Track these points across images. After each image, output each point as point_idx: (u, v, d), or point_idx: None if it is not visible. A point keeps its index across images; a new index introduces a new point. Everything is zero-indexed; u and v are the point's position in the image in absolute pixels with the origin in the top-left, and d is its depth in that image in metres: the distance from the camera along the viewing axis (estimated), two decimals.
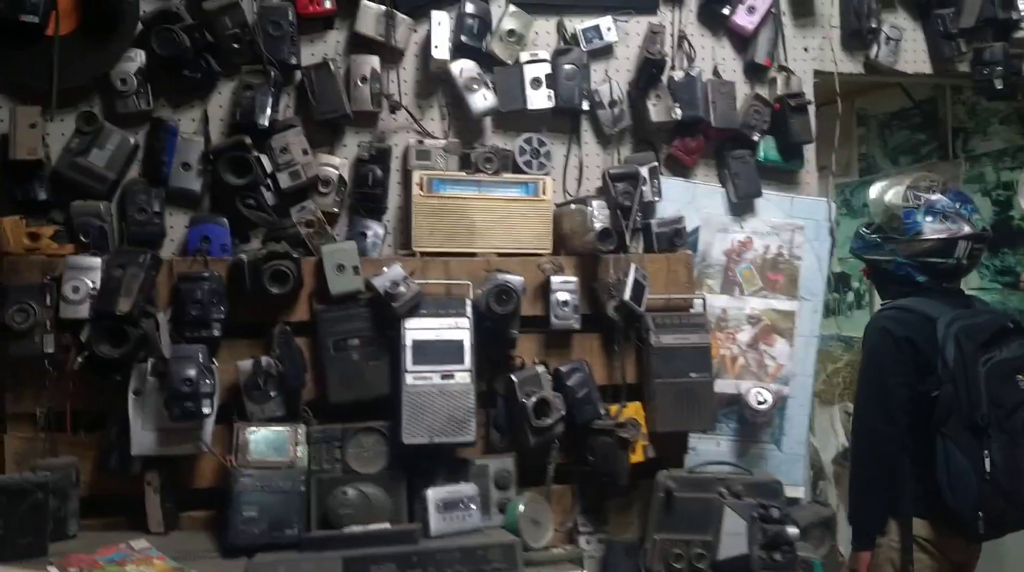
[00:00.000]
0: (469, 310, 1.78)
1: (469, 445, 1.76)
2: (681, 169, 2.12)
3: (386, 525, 1.67)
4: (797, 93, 2.11)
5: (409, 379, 1.72)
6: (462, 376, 1.75)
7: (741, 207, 2.17)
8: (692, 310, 1.97)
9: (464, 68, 1.90)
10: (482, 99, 1.90)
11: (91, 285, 1.60)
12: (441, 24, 1.87)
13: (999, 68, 2.20)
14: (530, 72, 1.95)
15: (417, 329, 1.74)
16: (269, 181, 1.81)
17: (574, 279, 1.87)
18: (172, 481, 1.67)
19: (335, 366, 1.74)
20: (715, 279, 2.16)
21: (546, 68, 1.95)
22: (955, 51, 2.25)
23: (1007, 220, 2.98)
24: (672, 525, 1.86)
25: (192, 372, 1.57)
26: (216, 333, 1.66)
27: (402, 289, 1.71)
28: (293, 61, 1.81)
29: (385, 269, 1.76)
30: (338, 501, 1.67)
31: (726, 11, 2.08)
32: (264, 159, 1.79)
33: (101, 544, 1.52)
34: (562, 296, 1.86)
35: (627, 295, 1.86)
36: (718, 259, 2.16)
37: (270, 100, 1.78)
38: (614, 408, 1.90)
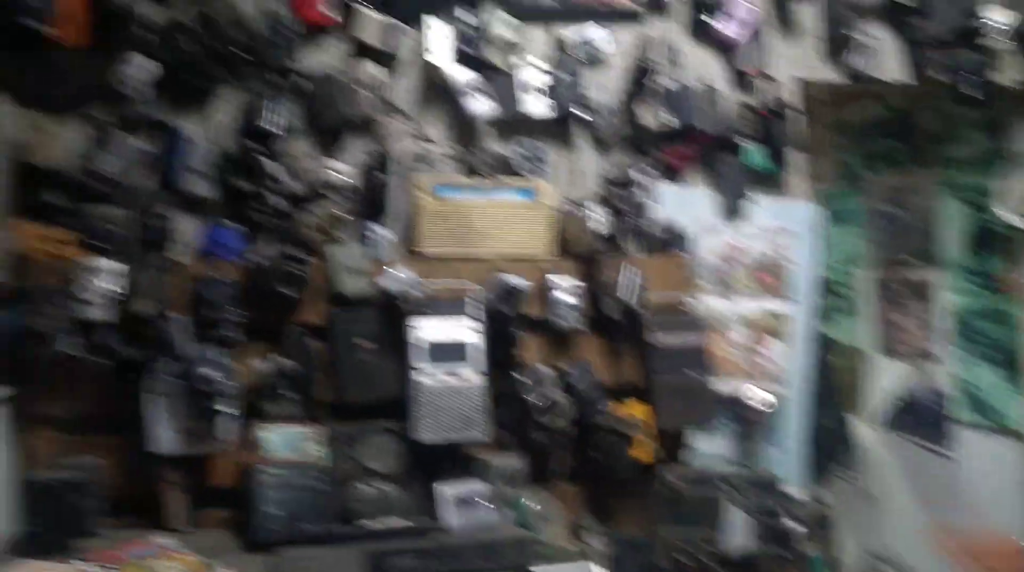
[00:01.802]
0: (476, 311, 2.00)
1: (480, 443, 1.97)
2: (673, 174, 2.38)
3: (402, 521, 1.87)
4: (781, 101, 2.40)
5: (420, 378, 1.93)
6: (472, 375, 1.96)
7: (730, 211, 2.43)
8: (689, 311, 2.22)
9: (461, 75, 2.14)
10: (480, 105, 2.14)
11: (109, 288, 1.77)
12: (436, 31, 2.10)
13: (974, 76, 2.52)
14: (525, 79, 2.19)
15: (426, 329, 1.95)
16: (277, 186, 2.01)
17: (575, 280, 2.11)
18: (192, 480, 1.85)
19: (349, 367, 1.94)
20: (708, 281, 2.42)
21: (541, 76, 2.20)
22: (930, 60, 2.56)
23: (986, 226, 3.31)
24: (677, 521, 2.10)
25: (211, 373, 1.76)
26: (233, 335, 1.85)
27: (411, 290, 1.92)
28: (295, 67, 2.03)
29: (393, 271, 1.97)
30: (356, 498, 1.87)
31: (711, 21, 2.35)
32: (272, 164, 1.99)
33: (125, 541, 1.69)
34: (563, 297, 2.08)
35: (626, 295, 2.11)
36: (710, 262, 2.42)
37: (277, 107, 1.99)
38: (617, 406, 2.13)
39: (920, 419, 2.55)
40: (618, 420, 2.08)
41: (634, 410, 2.13)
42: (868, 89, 2.69)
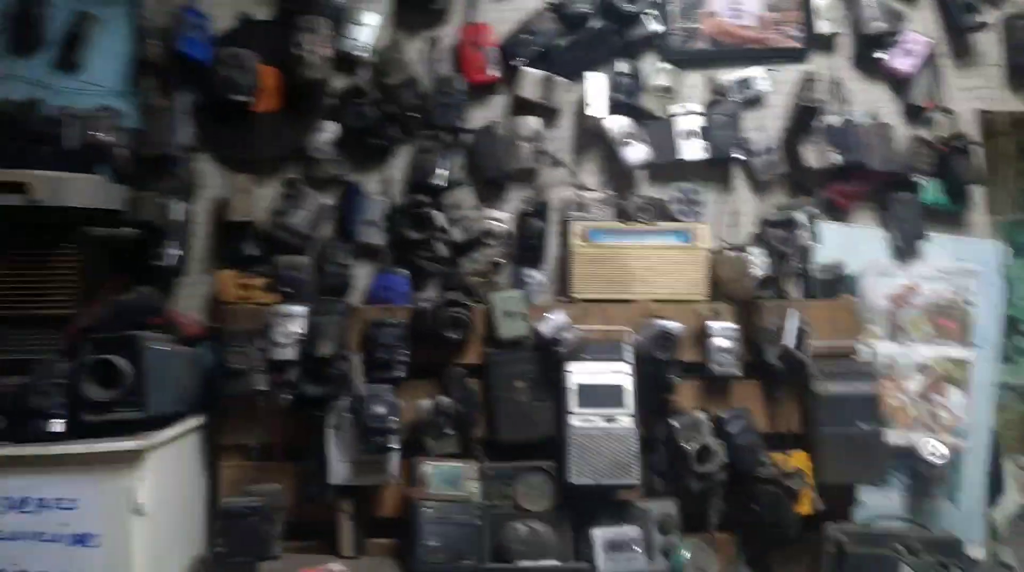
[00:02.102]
0: (629, 355, 2.00)
1: (632, 488, 1.95)
2: (838, 214, 2.26)
3: (555, 562, 1.88)
4: (961, 134, 2.21)
5: (574, 421, 1.94)
6: (625, 419, 1.95)
7: (905, 251, 2.27)
8: (858, 358, 2.09)
9: (617, 123, 2.16)
10: (635, 152, 2.15)
11: (296, 331, 1.94)
12: (594, 84, 2.14)
13: None
14: (682, 124, 2.18)
15: (580, 373, 1.97)
16: (443, 235, 2.12)
17: (734, 325, 2.04)
18: (360, 509, 1.97)
19: (504, 407, 1.99)
20: (879, 325, 2.26)
21: (698, 120, 2.18)
22: None
23: None
24: None
25: (382, 410, 1.87)
26: (401, 374, 1.96)
27: (566, 334, 1.95)
28: (463, 125, 2.14)
29: (549, 315, 2.01)
30: (511, 536, 1.90)
31: (881, 55, 2.23)
32: (439, 215, 2.11)
33: (302, 565, 1.82)
34: (722, 342, 2.03)
35: (790, 342, 2.02)
36: (881, 305, 2.26)
37: (443, 161, 2.11)
38: (778, 457, 2.03)
39: None
40: (783, 473, 1.98)
41: (797, 461, 2.02)
42: None
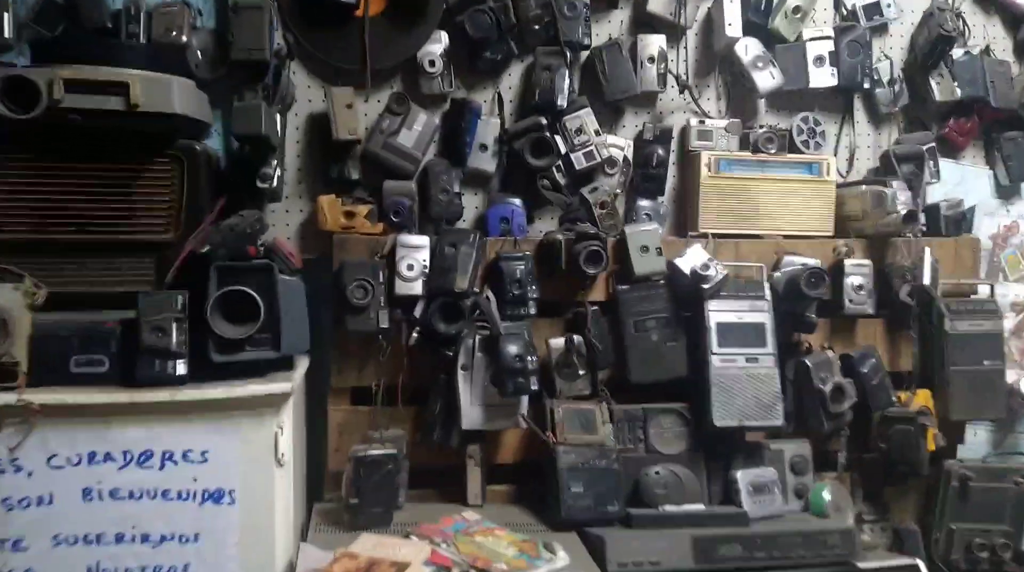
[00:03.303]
0: (768, 293, 1.82)
1: (777, 429, 1.79)
2: (950, 151, 2.12)
3: (700, 506, 1.72)
4: None
5: (716, 361, 1.76)
6: (766, 359, 1.78)
7: (1009, 190, 2.15)
8: (980, 296, 1.97)
9: (749, 46, 1.93)
10: (769, 78, 1.93)
11: (423, 263, 1.67)
12: (733, 1, 1.90)
13: None
14: (813, 50, 1.97)
15: (720, 311, 1.78)
16: (562, 161, 1.87)
17: (868, 262, 1.89)
18: (487, 455, 1.75)
19: (636, 346, 1.79)
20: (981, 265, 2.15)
21: (829, 45, 1.97)
22: None
23: None
24: (968, 515, 1.87)
25: (522, 349, 1.64)
26: (533, 311, 1.73)
27: (711, 271, 1.75)
28: (587, 42, 1.87)
29: (687, 250, 1.80)
30: (652, 481, 1.72)
31: None
32: (559, 140, 1.85)
33: (433, 515, 1.60)
34: (857, 280, 1.87)
35: (925, 279, 1.88)
36: (984, 244, 2.15)
37: (565, 81, 1.84)
38: (904, 395, 1.91)
39: None
40: (914, 411, 1.86)
41: (921, 399, 1.91)
42: None
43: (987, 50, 2.10)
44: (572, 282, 1.80)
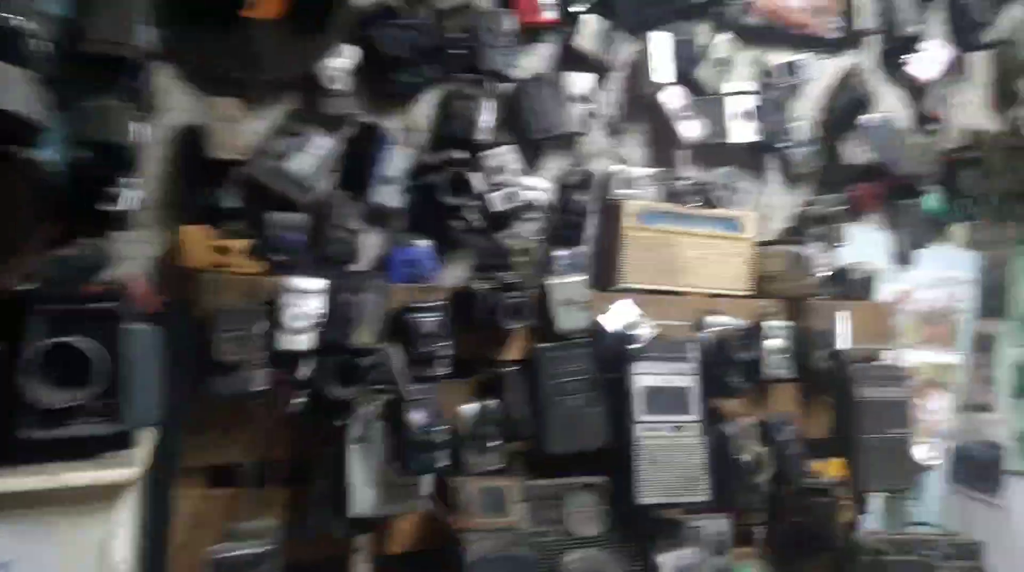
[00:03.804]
0: (694, 354, 1.66)
1: (701, 505, 1.62)
2: (855, 214, 2.09)
3: None
4: (967, 147, 2.14)
5: (641, 430, 1.57)
6: (692, 427, 1.62)
7: (904, 257, 2.16)
8: (887, 362, 1.92)
9: (675, 94, 1.81)
10: (693, 128, 1.81)
11: (314, 312, 1.37)
12: (660, 45, 1.77)
13: None
14: (735, 104, 1.88)
15: (647, 374, 1.60)
16: (479, 201, 1.64)
17: (788, 324, 1.79)
18: (380, 544, 1.44)
19: (555, 412, 1.57)
20: None
21: (751, 101, 1.89)
22: None
23: None
24: None
25: (428, 417, 1.37)
26: (444, 371, 1.46)
27: (641, 330, 1.57)
28: (512, 73, 1.66)
29: (612, 306, 1.62)
30: (567, 568, 1.49)
31: (905, 60, 2.09)
32: (477, 177, 1.62)
33: None
34: (776, 343, 1.76)
35: (841, 344, 1.80)
36: None
37: (489, 114, 1.63)
38: (820, 464, 1.81)
39: (973, 469, 2.32)
40: (826, 481, 1.76)
41: (834, 469, 1.82)
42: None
43: (893, 119, 2.11)
44: (487, 338, 1.56)
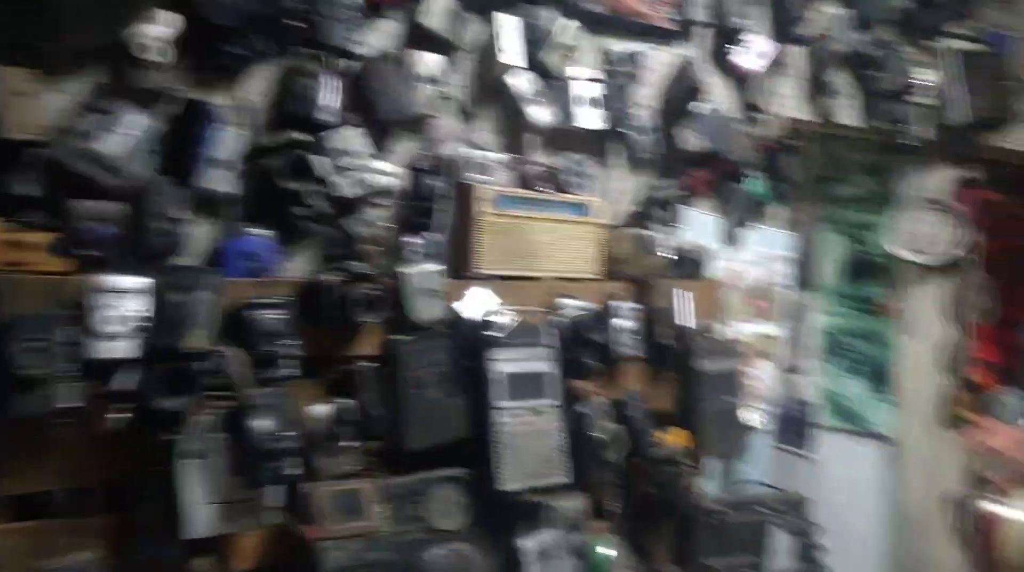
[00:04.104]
0: (551, 339, 1.66)
1: (563, 486, 1.62)
2: (689, 199, 2.19)
3: None
4: (786, 135, 2.30)
5: (502, 417, 1.55)
6: (552, 412, 1.62)
7: (733, 237, 2.29)
8: (721, 336, 2.04)
9: (525, 78, 1.78)
10: (544, 113, 1.79)
11: (135, 314, 1.19)
12: (508, 27, 1.72)
13: (911, 126, 2.60)
14: (581, 90, 1.88)
15: (505, 361, 1.58)
16: (324, 187, 1.51)
17: (636, 305, 1.83)
18: (222, 567, 1.31)
19: (414, 407, 1.50)
20: None
21: (596, 88, 1.90)
22: (878, 109, 2.61)
23: (863, 256, 3.52)
24: (720, 549, 1.90)
25: (279, 424, 1.25)
26: (293, 373, 1.34)
27: (500, 317, 1.54)
28: (357, 50, 1.54)
29: (469, 294, 1.57)
30: (436, 569, 1.44)
31: (733, 52, 2.20)
32: (320, 160, 1.50)
33: None
34: (626, 323, 1.80)
35: (684, 321, 1.87)
36: None
37: (328, 92, 1.50)
38: (665, 436, 1.89)
39: (791, 428, 2.58)
40: (673, 451, 1.84)
41: (677, 438, 1.90)
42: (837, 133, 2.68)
43: (721, 108, 2.22)
44: (337, 334, 1.45)
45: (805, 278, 3.15)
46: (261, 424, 1.23)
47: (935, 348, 2.88)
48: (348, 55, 1.54)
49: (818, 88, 2.43)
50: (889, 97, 2.58)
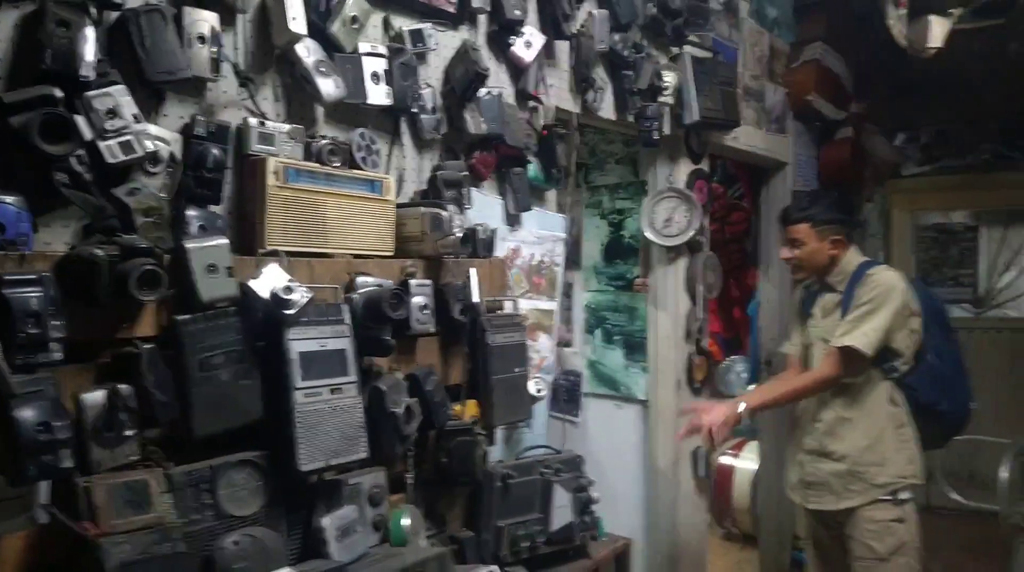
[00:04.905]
0: (347, 316, 1.68)
1: (362, 462, 1.65)
2: (474, 180, 2.32)
3: (288, 570, 1.46)
4: (560, 122, 2.53)
5: (300, 397, 1.54)
6: (350, 389, 1.64)
7: (514, 219, 2.48)
8: (509, 311, 2.20)
9: (312, 48, 1.76)
10: (332, 86, 1.79)
11: None
12: None
13: (656, 123, 3.01)
14: (369, 65, 1.91)
15: (302, 339, 1.57)
16: (85, 149, 1.38)
17: (429, 282, 1.91)
18: None
19: (202, 391, 1.43)
20: None
21: (384, 63, 1.94)
22: (632, 106, 2.97)
23: (619, 238, 3.98)
24: (510, 511, 2.07)
25: (47, 413, 1.13)
26: (59, 357, 1.21)
27: (295, 295, 1.52)
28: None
29: (263, 271, 1.53)
30: (230, 555, 1.40)
31: (510, 41, 2.37)
32: (79, 119, 1.36)
33: None
34: (421, 300, 1.88)
35: (475, 297, 2.00)
36: None
37: (93, 46, 1.36)
38: (458, 408, 2.00)
39: (563, 396, 2.95)
40: (465, 421, 1.96)
41: (470, 410, 2.04)
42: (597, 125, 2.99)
43: (501, 94, 2.38)
44: (110, 314, 1.34)
45: (572, 258, 3.48)
46: (26, 414, 1.10)
47: (678, 320, 3.35)
48: (110, 4, 1.42)
49: (581, 82, 2.71)
50: (639, 95, 2.95)
